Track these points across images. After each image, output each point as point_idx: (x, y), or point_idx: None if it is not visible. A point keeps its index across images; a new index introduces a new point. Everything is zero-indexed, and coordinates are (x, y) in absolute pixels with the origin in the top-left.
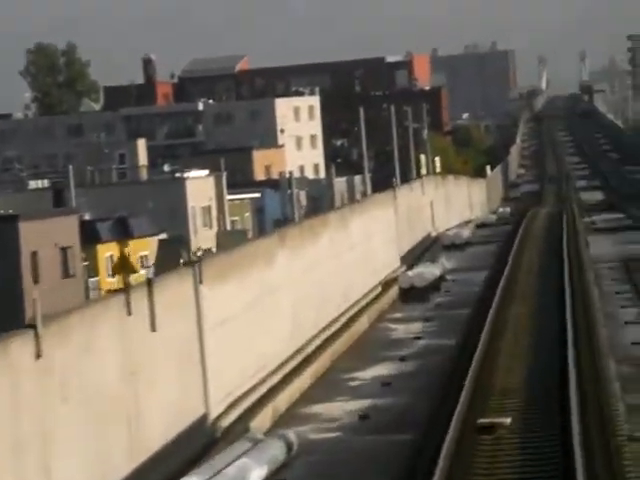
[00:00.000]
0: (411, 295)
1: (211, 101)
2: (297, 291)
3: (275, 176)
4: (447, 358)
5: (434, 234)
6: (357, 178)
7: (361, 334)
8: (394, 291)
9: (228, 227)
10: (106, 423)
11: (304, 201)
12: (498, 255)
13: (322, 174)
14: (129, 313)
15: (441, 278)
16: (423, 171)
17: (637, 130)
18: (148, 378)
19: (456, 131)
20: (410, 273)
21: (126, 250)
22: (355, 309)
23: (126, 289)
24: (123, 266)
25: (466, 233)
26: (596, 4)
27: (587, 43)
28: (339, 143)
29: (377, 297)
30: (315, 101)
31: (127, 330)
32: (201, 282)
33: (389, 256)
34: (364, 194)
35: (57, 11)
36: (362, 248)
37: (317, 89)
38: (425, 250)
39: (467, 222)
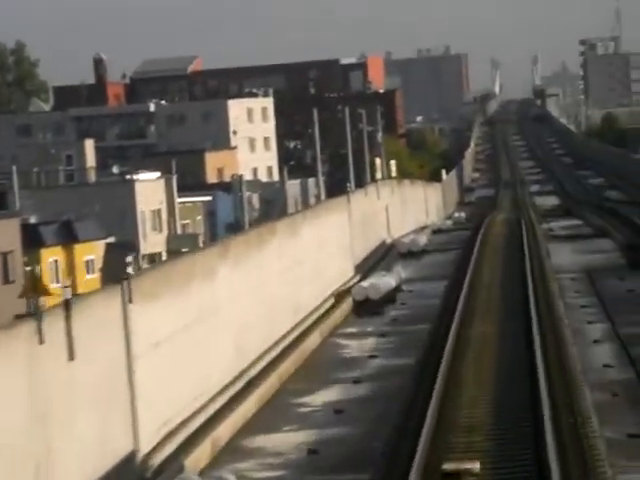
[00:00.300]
0: (365, 308)
1: (163, 102)
2: (241, 307)
3: (228, 179)
4: (405, 381)
5: (390, 241)
6: (311, 181)
7: (312, 352)
8: (348, 303)
9: (179, 231)
10: (8, 477)
11: (257, 204)
12: (457, 264)
13: (276, 177)
14: (41, 341)
15: (397, 289)
16: (378, 175)
17: (590, 134)
18: (63, 417)
19: (410, 134)
20: (364, 284)
21: (37, 271)
22: (306, 324)
23: (37, 314)
24: (34, 288)
25: (423, 240)
26: (549, 9)
27: (540, 48)
28: (292, 145)
29: (330, 310)
30: (268, 103)
31: (38, 362)
32: (131, 301)
33: (342, 265)
34: (318, 198)
35: (6, 10)
36: (314, 257)
37: (271, 91)
38: (380, 258)
39: (423, 228)
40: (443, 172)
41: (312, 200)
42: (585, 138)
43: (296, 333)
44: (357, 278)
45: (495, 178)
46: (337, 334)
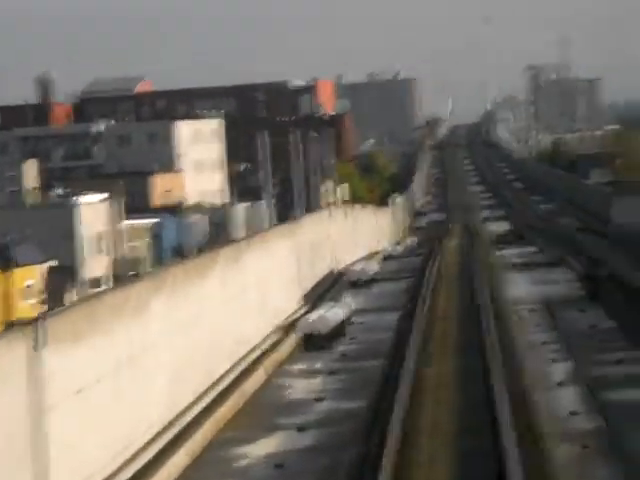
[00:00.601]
0: (313, 342)
1: (113, 122)
2: (177, 345)
3: (175, 201)
4: (355, 429)
5: (340, 269)
6: (261, 204)
7: (254, 393)
8: (294, 337)
9: (124, 254)
10: None
11: (205, 228)
12: (409, 294)
13: (225, 199)
14: None
15: (347, 321)
16: (329, 199)
17: (540, 159)
18: None
19: (360, 158)
20: (311, 317)
21: None
22: (249, 360)
23: None
24: None
25: (373, 268)
26: (499, 35)
27: (490, 73)
28: (241, 168)
29: (275, 345)
30: (218, 124)
31: None
32: (44, 344)
33: (290, 296)
34: (269, 221)
35: None
36: (259, 287)
37: (221, 112)
38: (330, 287)
39: (374, 254)
40: (394, 195)
41: (264, 224)
42: (536, 163)
43: (238, 371)
44: (305, 308)
45: (446, 202)
46: (282, 371)
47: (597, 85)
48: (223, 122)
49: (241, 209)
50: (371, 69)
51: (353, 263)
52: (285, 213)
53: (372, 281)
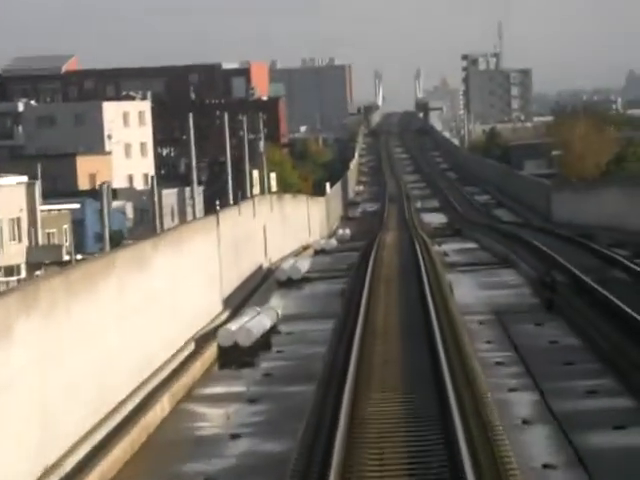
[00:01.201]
0: (232, 358)
1: (33, 102)
2: (54, 375)
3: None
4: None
5: (267, 266)
6: (189, 190)
7: (157, 428)
8: (211, 351)
9: (42, 241)
10: None
11: (130, 214)
12: (346, 297)
13: (153, 185)
14: None
15: (273, 330)
16: (256, 189)
17: (473, 149)
18: None
19: (294, 144)
20: (232, 327)
21: None
22: (154, 384)
23: None
24: None
25: (305, 265)
26: (432, 23)
27: (422, 61)
28: (165, 152)
29: (187, 362)
30: (146, 106)
31: None
32: None
33: (208, 300)
34: (193, 208)
35: None
36: (170, 295)
37: (149, 94)
38: (256, 288)
39: (305, 247)
40: (327, 185)
41: (189, 210)
42: (469, 153)
43: (138, 400)
44: (227, 314)
45: (380, 192)
46: (193, 397)
47: (529, 75)
48: (150, 104)
49: (168, 195)
50: (305, 55)
51: (283, 259)
52: (214, 200)
53: (303, 280)
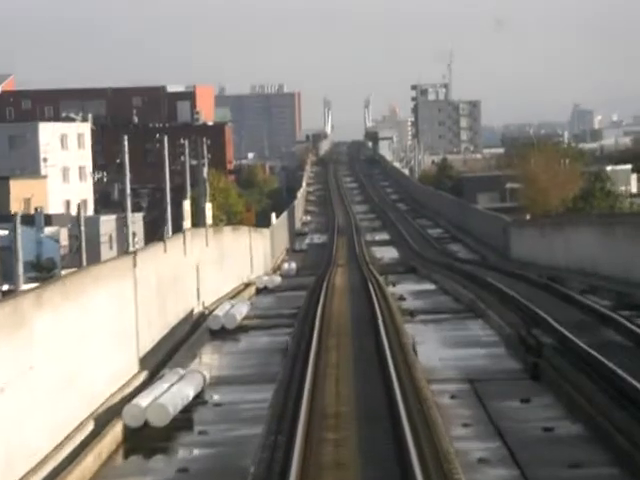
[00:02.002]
0: (140, 443)
1: None
2: None
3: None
4: None
5: (201, 310)
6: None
7: None
8: (115, 433)
9: None
10: None
11: (65, 241)
12: (289, 356)
13: (91, 210)
14: None
15: (197, 399)
16: (187, 223)
17: (424, 180)
18: None
19: (240, 171)
20: (143, 400)
21: None
22: None
23: None
24: None
25: (242, 310)
26: (382, 53)
27: (372, 90)
28: (98, 177)
29: (82, 448)
30: (85, 128)
31: None
32: None
33: (118, 363)
34: (127, 236)
35: None
36: (58, 364)
37: (90, 116)
38: (183, 341)
39: (247, 285)
40: (273, 216)
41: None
42: (420, 184)
43: None
44: (142, 378)
45: (328, 222)
46: None
47: (478, 107)
48: (90, 127)
49: (107, 222)
50: (255, 81)
51: (219, 301)
52: (155, 228)
53: (240, 330)
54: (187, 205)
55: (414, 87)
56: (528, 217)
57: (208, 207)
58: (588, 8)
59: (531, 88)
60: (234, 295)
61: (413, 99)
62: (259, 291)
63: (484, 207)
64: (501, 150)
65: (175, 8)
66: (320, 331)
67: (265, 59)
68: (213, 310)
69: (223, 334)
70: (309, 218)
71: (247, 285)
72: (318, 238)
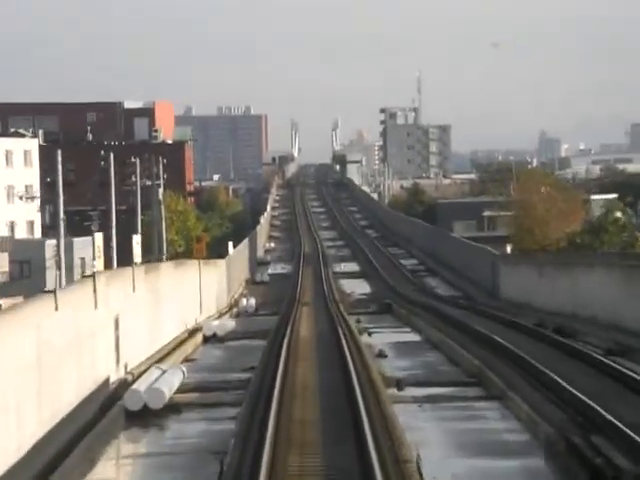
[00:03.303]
0: None
1: None
2: None
3: None
4: None
5: (120, 378)
6: (79, 241)
7: None
8: None
9: None
10: None
11: (6, 267)
12: (236, 451)
13: (38, 233)
14: None
15: None
16: (97, 264)
17: (394, 206)
18: None
19: (201, 193)
20: None
21: None
22: None
23: None
24: None
25: (175, 380)
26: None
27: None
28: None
29: None
30: (33, 145)
31: None
32: None
33: None
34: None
35: None
36: None
37: (40, 132)
38: (79, 437)
39: (191, 333)
40: (230, 245)
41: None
42: (390, 209)
43: None
44: None
45: (293, 250)
46: None
47: (448, 132)
48: (39, 143)
49: (50, 246)
50: (222, 103)
51: (151, 360)
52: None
53: (169, 410)
54: (137, 240)
55: (383, 110)
56: (509, 250)
57: (136, 240)
58: (555, 37)
59: (497, 115)
60: (174, 347)
61: (382, 122)
62: (207, 339)
63: (461, 236)
64: (472, 176)
65: (140, 25)
66: (277, 422)
67: (232, 81)
68: (137, 378)
69: (145, 417)
70: (273, 245)
71: (193, 332)
72: (282, 268)
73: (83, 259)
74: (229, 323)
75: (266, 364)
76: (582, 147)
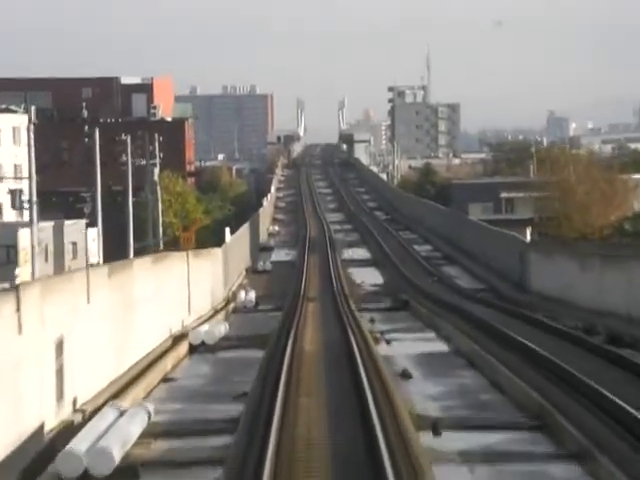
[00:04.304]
0: None
1: None
2: None
3: None
4: None
5: (64, 421)
6: (70, 223)
7: None
8: None
9: None
10: None
11: None
12: None
13: (27, 215)
14: None
15: None
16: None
17: (404, 187)
18: None
19: (201, 173)
20: None
21: None
22: None
23: None
24: None
25: (135, 425)
26: (357, 54)
27: (346, 93)
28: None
29: None
30: (22, 121)
31: None
32: None
33: None
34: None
35: None
36: None
37: (32, 108)
38: None
39: (175, 341)
40: (227, 232)
41: (70, 247)
42: (401, 191)
43: None
44: None
45: (298, 233)
46: None
47: (457, 110)
48: (31, 120)
49: (44, 228)
50: (227, 82)
51: (110, 391)
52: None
53: (123, 473)
54: (93, 237)
55: (391, 89)
56: (529, 235)
57: (91, 236)
58: (561, 16)
59: (502, 94)
60: (150, 364)
61: (390, 101)
62: (193, 349)
63: (478, 219)
64: (482, 155)
65: (148, 5)
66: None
67: (237, 60)
68: (88, 419)
69: None
70: (277, 228)
71: (177, 340)
72: (286, 254)
73: (75, 244)
74: (220, 328)
75: (261, 394)
76: (591, 126)
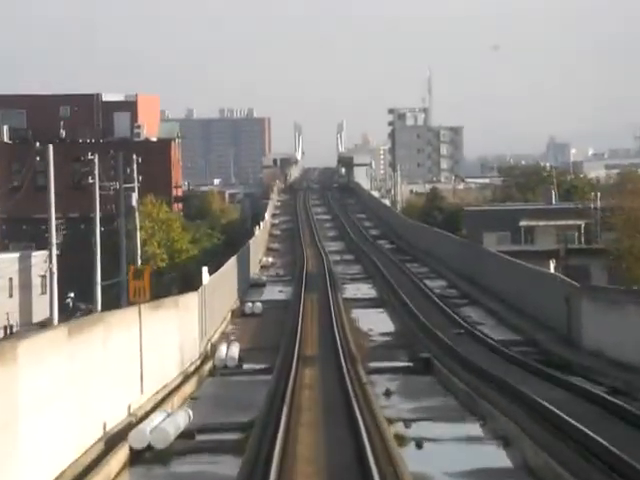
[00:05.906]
0: None
1: None
2: None
3: None
4: None
5: None
6: (39, 255)
7: None
8: None
9: None
10: None
11: None
12: None
13: None
14: None
15: None
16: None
17: (409, 213)
18: None
19: (191, 198)
20: None
21: None
22: None
23: None
24: None
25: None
26: (356, 76)
27: (345, 116)
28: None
29: None
30: None
31: None
32: None
33: None
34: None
35: None
36: None
37: (5, 128)
38: None
39: (109, 448)
40: (204, 271)
41: (39, 281)
42: (406, 218)
43: None
44: None
45: (294, 266)
46: None
47: (460, 134)
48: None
49: (7, 260)
50: (224, 105)
51: None
52: (73, 268)
53: None
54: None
55: (391, 111)
56: (552, 268)
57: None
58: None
59: (501, 120)
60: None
61: (390, 124)
62: (136, 456)
63: (496, 250)
64: (487, 180)
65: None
66: None
67: (234, 83)
68: None
69: None
70: (271, 260)
71: (113, 444)
72: (280, 292)
73: (44, 276)
74: (178, 419)
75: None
76: (591, 152)
